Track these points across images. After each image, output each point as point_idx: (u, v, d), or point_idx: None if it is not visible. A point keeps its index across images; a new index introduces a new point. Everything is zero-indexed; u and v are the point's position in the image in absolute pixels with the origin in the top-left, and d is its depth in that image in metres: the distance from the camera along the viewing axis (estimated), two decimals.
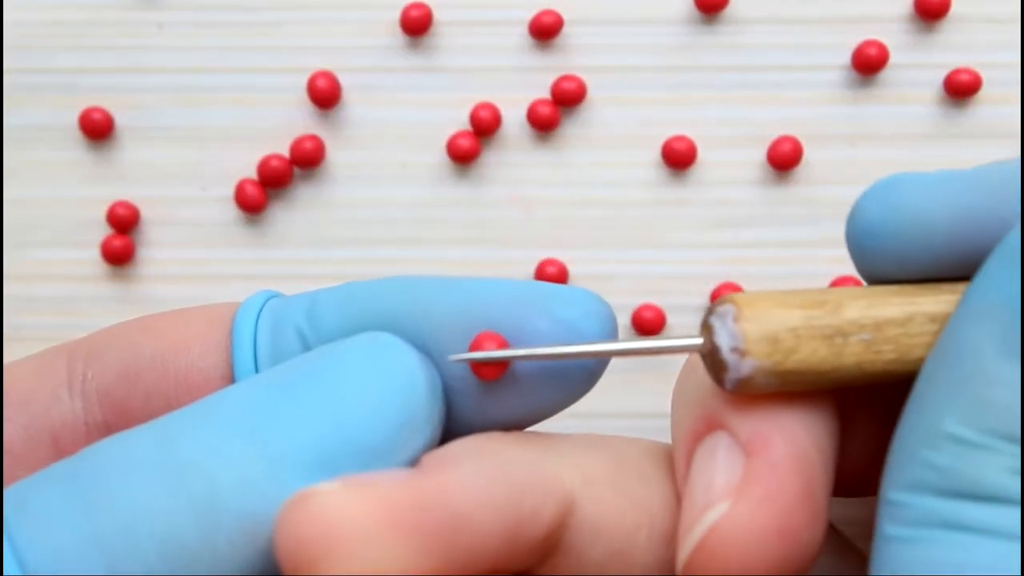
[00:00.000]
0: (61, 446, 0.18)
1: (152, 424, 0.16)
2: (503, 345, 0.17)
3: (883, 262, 0.16)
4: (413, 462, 0.16)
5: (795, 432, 0.15)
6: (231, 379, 0.18)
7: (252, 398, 0.16)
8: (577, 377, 0.17)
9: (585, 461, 0.16)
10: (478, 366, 0.17)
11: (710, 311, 0.16)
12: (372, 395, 0.16)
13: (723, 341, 0.15)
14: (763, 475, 0.15)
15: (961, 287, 0.15)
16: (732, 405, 0.16)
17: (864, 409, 0.17)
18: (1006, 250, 0.14)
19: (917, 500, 0.14)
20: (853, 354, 0.15)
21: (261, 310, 0.19)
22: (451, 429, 0.18)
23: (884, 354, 0.15)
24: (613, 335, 0.17)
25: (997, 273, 0.14)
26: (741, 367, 0.15)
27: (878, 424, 0.17)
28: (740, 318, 0.15)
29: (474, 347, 0.17)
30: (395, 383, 0.16)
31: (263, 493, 0.15)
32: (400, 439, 0.16)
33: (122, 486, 0.15)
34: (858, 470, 0.18)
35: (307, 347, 0.18)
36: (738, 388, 0.15)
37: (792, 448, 0.15)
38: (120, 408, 0.18)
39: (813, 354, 0.15)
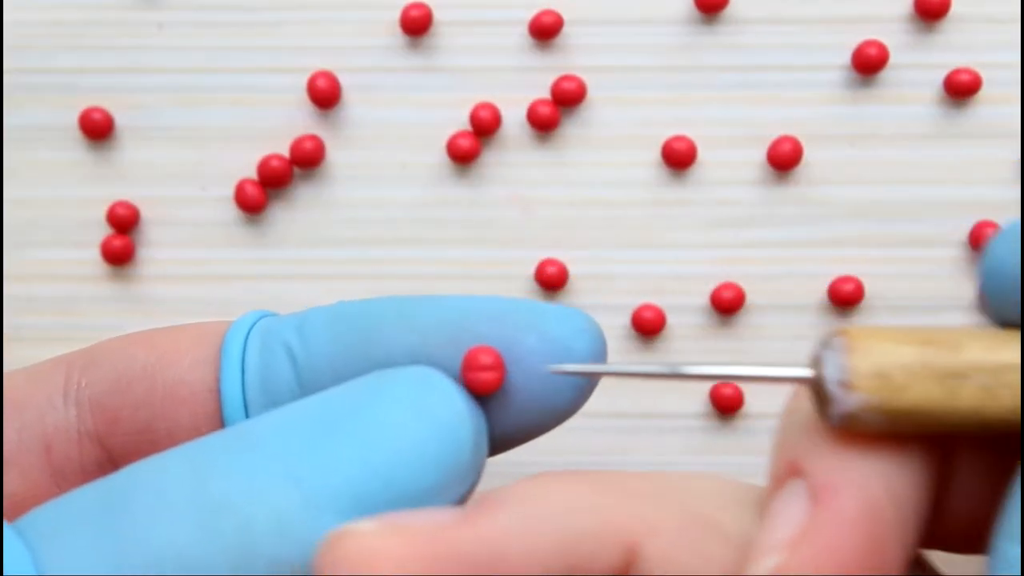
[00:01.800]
0: (53, 452, 0.18)
1: (186, 451, 0.16)
2: (498, 359, 0.17)
3: (1012, 306, 0.15)
4: (454, 506, 0.16)
5: (870, 481, 0.14)
6: (217, 393, 0.18)
7: (290, 433, 0.15)
8: (567, 395, 0.17)
9: (652, 508, 0.16)
10: (475, 382, 0.17)
11: (822, 342, 0.15)
12: (416, 439, 0.15)
13: (831, 373, 0.15)
14: (823, 527, 0.14)
15: None
16: (817, 449, 0.15)
17: (975, 459, 0.16)
18: None
19: None
20: (969, 397, 0.14)
21: (252, 327, 0.19)
22: None
23: (1002, 400, 0.14)
24: (603, 353, 0.17)
25: None
26: (847, 401, 0.14)
27: (990, 476, 0.16)
28: (851, 350, 0.14)
29: (468, 361, 0.17)
30: (441, 428, 0.15)
31: (299, 538, 0.15)
32: (442, 486, 0.15)
33: (154, 522, 0.15)
34: (967, 524, 0.17)
35: (295, 364, 0.18)
36: (843, 424, 0.14)
37: (862, 500, 0.14)
38: (110, 417, 0.18)
39: (926, 394, 0.14)
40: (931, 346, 0.14)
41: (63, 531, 0.15)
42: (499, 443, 0.18)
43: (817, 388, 0.15)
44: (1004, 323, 0.16)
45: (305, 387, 0.18)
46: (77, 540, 0.15)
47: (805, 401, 0.16)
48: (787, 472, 0.15)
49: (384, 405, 0.16)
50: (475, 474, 0.16)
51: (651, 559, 0.15)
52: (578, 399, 0.18)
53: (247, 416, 0.18)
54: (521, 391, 0.17)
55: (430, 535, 0.14)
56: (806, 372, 0.15)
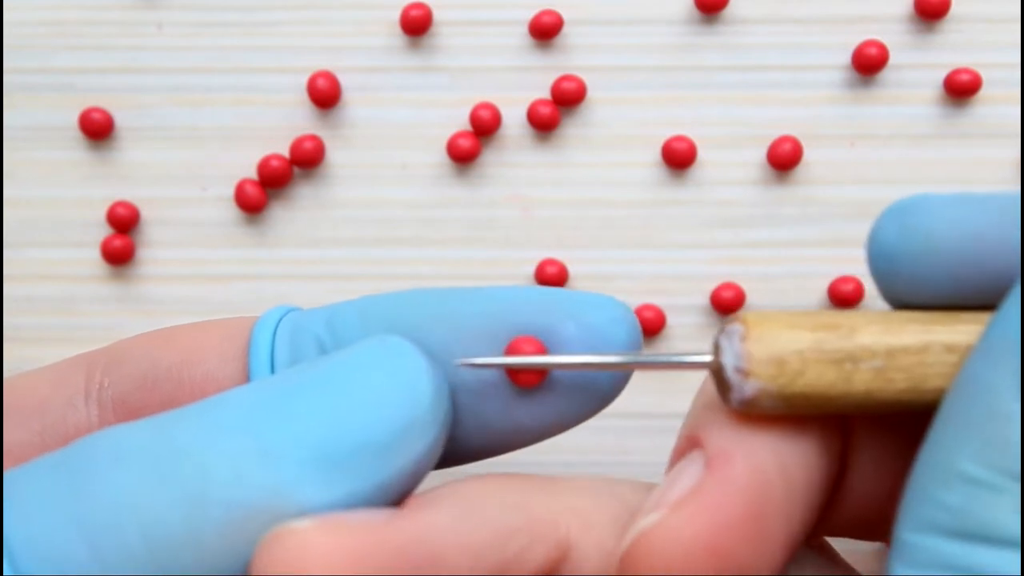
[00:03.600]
0: None
1: (151, 418, 0.16)
2: (541, 350, 0.17)
3: (899, 285, 0.16)
4: (415, 464, 0.16)
5: (762, 453, 0.15)
6: None
7: (254, 396, 0.16)
8: (606, 386, 0.18)
9: (586, 505, 0.16)
10: (515, 373, 0.17)
11: (721, 329, 0.16)
12: (374, 394, 0.16)
13: (728, 361, 0.15)
14: (710, 490, 0.15)
15: (982, 317, 0.15)
16: (716, 424, 0.16)
17: (876, 444, 0.17)
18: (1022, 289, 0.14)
19: (928, 541, 0.13)
20: (863, 381, 0.15)
21: (279, 323, 0.19)
22: (481, 435, 0.18)
23: (896, 383, 0.15)
24: (638, 341, 0.17)
25: (1013, 312, 0.14)
26: (745, 388, 0.15)
27: (894, 462, 0.17)
28: (747, 338, 0.15)
29: (511, 351, 0.17)
30: (399, 383, 0.16)
31: (257, 485, 0.15)
32: (402, 440, 0.16)
33: (111, 473, 0.15)
34: (870, 510, 0.17)
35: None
36: (743, 408, 0.15)
37: (751, 469, 0.15)
38: (135, 416, 0.18)
39: (820, 378, 0.15)
40: (827, 331, 0.15)
41: (20, 485, 0.15)
42: (539, 433, 0.18)
43: (717, 374, 0.15)
44: (896, 304, 0.16)
45: None
46: (34, 493, 0.15)
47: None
48: (688, 445, 0.16)
49: (347, 367, 0.16)
50: (436, 428, 0.16)
51: (585, 551, 0.16)
52: (618, 386, 0.18)
53: None
54: (564, 383, 0.17)
55: (364, 532, 0.15)
56: (706, 358, 0.15)
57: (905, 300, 0.16)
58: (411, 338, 0.17)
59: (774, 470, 0.15)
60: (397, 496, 0.16)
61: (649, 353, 0.17)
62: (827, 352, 0.15)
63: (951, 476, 0.13)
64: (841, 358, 0.15)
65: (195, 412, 0.16)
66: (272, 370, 0.18)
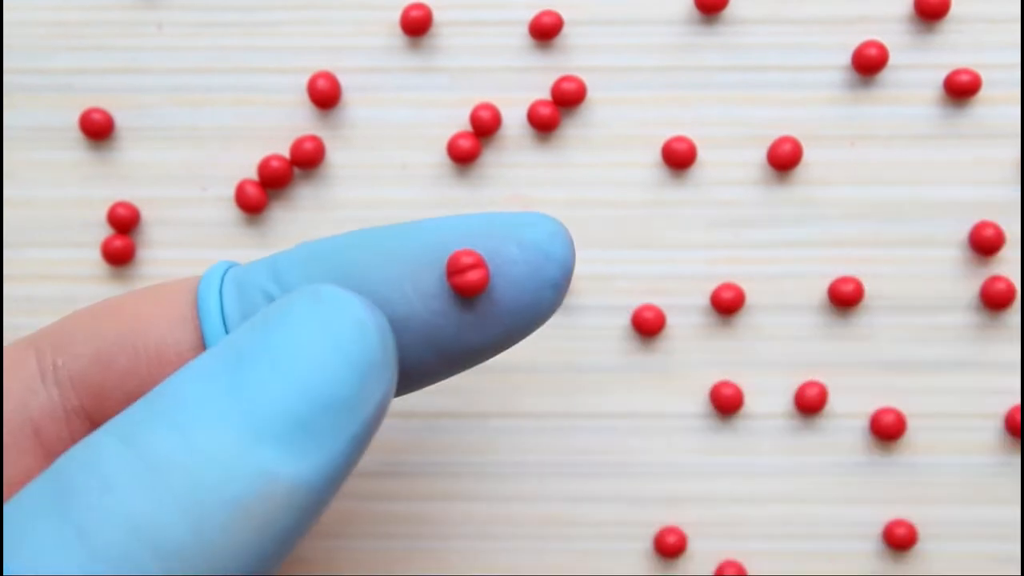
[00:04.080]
0: (43, 437, 0.18)
1: (112, 428, 0.16)
2: (479, 259, 0.18)
3: None
4: (379, 407, 0.16)
5: None
6: (203, 349, 0.18)
7: (206, 378, 0.16)
8: (549, 297, 0.18)
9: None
10: (462, 284, 0.17)
11: None
12: (326, 352, 0.16)
13: None
14: None
15: None
16: None
17: None
18: None
19: None
20: None
21: (223, 279, 0.19)
22: (434, 361, 0.18)
23: None
24: (573, 252, 0.18)
25: None
26: None
27: None
28: None
29: (452, 264, 0.18)
30: (345, 335, 0.16)
31: (245, 476, 0.15)
32: (362, 389, 0.16)
33: (107, 504, 0.15)
34: None
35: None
36: None
37: None
38: (96, 392, 0.18)
39: None
40: None
41: (22, 533, 0.15)
42: (488, 351, 0.19)
43: None
44: None
45: None
46: (38, 538, 0.15)
47: None
48: None
49: (288, 324, 0.16)
50: (390, 368, 0.17)
51: None
52: (557, 300, 0.19)
53: None
54: (508, 300, 0.18)
55: None
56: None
57: None
58: (356, 278, 0.18)
59: None
60: (369, 440, 0.16)
61: None
62: None
63: None
64: None
65: (157, 415, 0.16)
66: (226, 329, 0.18)
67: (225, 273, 0.19)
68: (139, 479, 0.15)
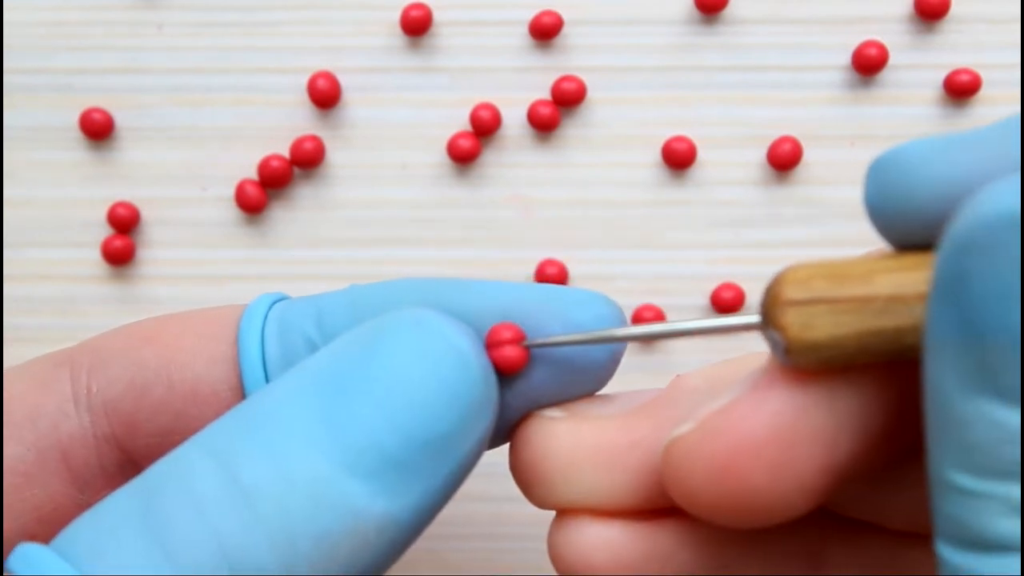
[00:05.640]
0: (71, 461, 0.18)
1: (204, 442, 0.15)
2: (520, 335, 0.17)
3: (897, 237, 0.15)
4: (479, 444, 0.16)
5: (801, 392, 0.15)
6: (240, 391, 0.18)
7: (301, 400, 0.15)
8: (592, 372, 0.17)
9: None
10: (501, 360, 0.17)
11: (768, 319, 0.15)
12: (427, 387, 0.15)
13: (772, 341, 0.15)
14: (735, 411, 0.15)
15: None
16: (772, 361, 0.15)
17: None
18: (938, 281, 0.13)
19: (947, 553, 0.13)
20: (891, 328, 0.14)
21: (266, 316, 0.18)
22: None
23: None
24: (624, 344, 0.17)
25: (934, 310, 0.13)
26: (786, 360, 0.15)
27: None
28: (782, 327, 0.15)
29: (492, 337, 0.17)
30: (447, 369, 0.15)
31: (335, 510, 0.15)
32: (462, 427, 0.15)
33: (194, 524, 0.14)
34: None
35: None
36: (792, 366, 0.15)
37: (783, 400, 0.15)
38: (128, 421, 0.18)
39: (856, 347, 0.14)
40: (862, 311, 0.14)
41: (105, 546, 0.15)
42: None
43: (766, 332, 0.15)
44: (896, 244, 0.16)
45: None
46: (122, 553, 0.14)
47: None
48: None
49: (388, 354, 0.15)
50: (491, 408, 0.16)
51: None
52: (603, 375, 0.18)
53: None
54: (546, 379, 0.17)
55: (606, 426, 0.16)
56: (754, 319, 0.16)
57: (901, 241, 0.15)
58: None
59: (813, 408, 0.15)
60: (464, 478, 0.16)
61: (697, 319, 0.17)
62: (848, 308, 0.14)
63: (942, 487, 0.13)
64: (859, 308, 0.14)
65: (250, 435, 0.15)
66: (265, 374, 0.18)
67: (269, 308, 0.18)
68: (231, 504, 0.14)
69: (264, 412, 0.15)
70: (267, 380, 0.18)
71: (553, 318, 0.17)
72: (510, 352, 0.17)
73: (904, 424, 0.15)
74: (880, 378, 0.15)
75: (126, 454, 0.18)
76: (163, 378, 0.18)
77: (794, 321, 0.15)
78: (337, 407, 0.15)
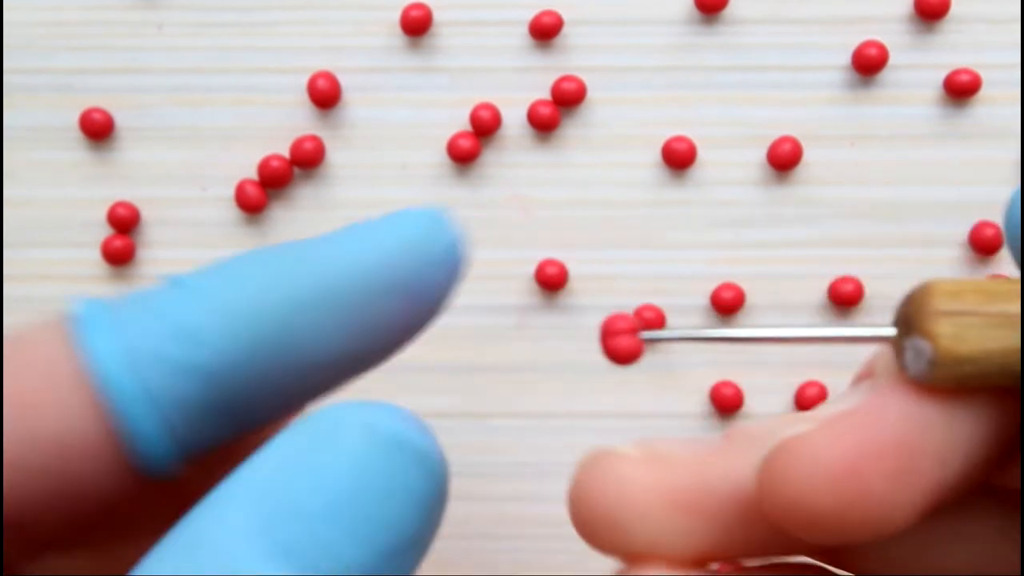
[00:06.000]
0: None
1: None
2: (635, 326, 0.17)
3: None
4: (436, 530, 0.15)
5: (923, 400, 0.14)
6: (117, 440, 0.15)
7: (249, 539, 0.14)
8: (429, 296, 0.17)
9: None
10: (617, 352, 0.16)
11: (907, 308, 0.15)
12: (392, 500, 0.14)
13: (911, 363, 0.15)
14: (861, 414, 0.14)
15: None
16: (890, 363, 0.15)
17: None
18: None
19: None
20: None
21: (109, 342, 0.15)
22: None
23: None
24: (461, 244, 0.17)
25: None
26: (924, 376, 0.15)
27: None
28: (935, 346, 0.15)
29: (608, 327, 0.17)
30: (414, 480, 0.14)
31: None
32: (430, 526, 0.15)
33: None
34: None
35: (201, 379, 0.15)
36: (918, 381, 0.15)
37: (908, 405, 0.14)
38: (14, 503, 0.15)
39: (998, 369, 0.14)
40: (1012, 327, 0.14)
41: None
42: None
43: (897, 346, 0.15)
44: None
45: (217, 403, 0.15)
46: None
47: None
48: (861, 376, 0.16)
49: (343, 476, 0.14)
50: (447, 490, 0.15)
51: None
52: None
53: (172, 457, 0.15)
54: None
55: (679, 468, 0.15)
56: (889, 332, 0.15)
57: None
58: (301, 354, 0.15)
59: (934, 420, 0.14)
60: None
61: (829, 327, 0.17)
62: (999, 323, 0.15)
63: None
64: (1010, 324, 0.14)
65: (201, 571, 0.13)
66: (164, 444, 0.15)
67: (107, 331, 0.15)
68: None
69: (207, 541, 0.13)
70: (155, 423, 0.15)
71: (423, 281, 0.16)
72: (626, 343, 0.16)
73: (988, 461, 0.15)
74: (988, 405, 0.15)
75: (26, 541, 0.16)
76: (26, 442, 0.14)
77: (946, 331, 0.14)
78: (288, 537, 0.14)
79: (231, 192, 0.30)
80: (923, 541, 0.16)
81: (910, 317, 0.15)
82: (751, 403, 0.30)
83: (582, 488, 0.15)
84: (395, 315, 0.15)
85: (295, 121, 0.30)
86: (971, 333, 0.14)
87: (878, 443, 0.14)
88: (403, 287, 0.16)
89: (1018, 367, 0.14)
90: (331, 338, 0.15)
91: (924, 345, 0.15)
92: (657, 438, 0.16)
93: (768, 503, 0.14)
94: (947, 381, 0.15)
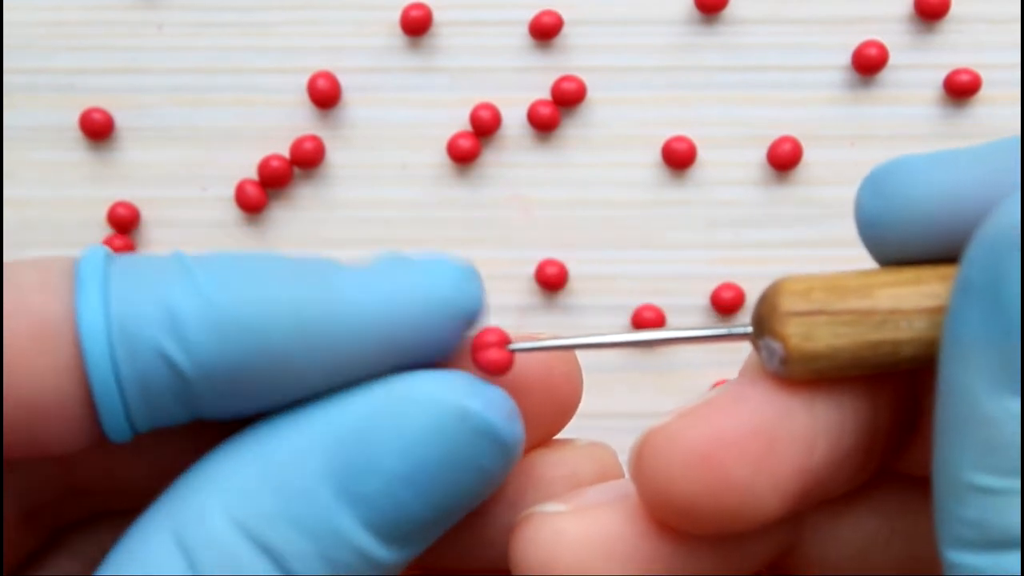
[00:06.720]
0: None
1: (222, 501, 0.14)
2: (505, 339, 0.16)
3: (888, 250, 0.15)
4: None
5: (782, 390, 0.15)
6: (90, 406, 0.15)
7: (324, 471, 0.15)
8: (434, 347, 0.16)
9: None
10: (487, 364, 0.16)
11: (758, 305, 0.15)
12: (454, 469, 0.15)
13: (766, 357, 0.15)
14: (715, 404, 0.15)
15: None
16: (756, 365, 0.16)
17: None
18: (967, 282, 0.13)
19: (962, 558, 0.13)
20: (886, 342, 0.15)
21: (106, 316, 0.15)
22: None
23: (913, 341, 0.15)
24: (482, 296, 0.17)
25: (961, 312, 0.13)
26: (779, 371, 0.15)
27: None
28: (782, 337, 0.15)
29: (477, 340, 0.16)
30: (481, 457, 0.15)
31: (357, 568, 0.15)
32: (488, 489, 0.16)
33: None
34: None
35: (181, 377, 0.14)
36: (780, 375, 0.15)
37: (764, 396, 0.15)
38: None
39: (850, 359, 0.15)
40: (861, 323, 0.15)
41: None
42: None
43: (756, 343, 0.16)
44: (884, 259, 0.16)
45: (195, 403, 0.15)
46: None
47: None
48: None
49: (411, 440, 0.15)
50: (517, 458, 0.16)
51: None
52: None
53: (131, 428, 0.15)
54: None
55: (611, 520, 0.15)
56: (747, 330, 0.16)
57: (897, 262, 0.16)
58: (279, 356, 0.15)
59: (794, 410, 0.15)
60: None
61: (689, 328, 0.17)
62: (848, 320, 0.15)
63: (961, 490, 0.13)
64: (858, 320, 0.15)
65: (269, 495, 0.15)
66: (121, 396, 0.15)
67: (105, 303, 0.14)
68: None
69: (279, 468, 0.15)
70: (123, 404, 0.15)
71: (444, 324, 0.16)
72: (495, 356, 0.16)
73: (873, 445, 0.16)
74: (855, 393, 0.15)
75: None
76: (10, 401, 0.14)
77: (795, 332, 0.15)
78: (370, 485, 0.15)
79: (231, 192, 0.30)
80: (836, 528, 0.16)
81: (763, 317, 0.15)
82: None
83: (518, 549, 0.15)
84: (394, 365, 0.15)
85: (295, 121, 0.30)
86: (820, 332, 0.15)
87: (734, 430, 0.14)
88: (416, 344, 0.16)
89: (871, 360, 0.15)
90: (320, 371, 0.15)
91: (775, 345, 0.15)
92: (590, 487, 0.16)
93: (640, 493, 0.15)
94: (803, 375, 0.15)
